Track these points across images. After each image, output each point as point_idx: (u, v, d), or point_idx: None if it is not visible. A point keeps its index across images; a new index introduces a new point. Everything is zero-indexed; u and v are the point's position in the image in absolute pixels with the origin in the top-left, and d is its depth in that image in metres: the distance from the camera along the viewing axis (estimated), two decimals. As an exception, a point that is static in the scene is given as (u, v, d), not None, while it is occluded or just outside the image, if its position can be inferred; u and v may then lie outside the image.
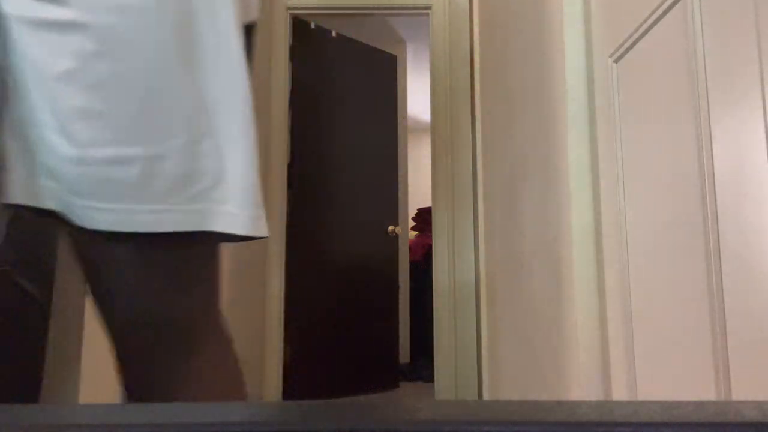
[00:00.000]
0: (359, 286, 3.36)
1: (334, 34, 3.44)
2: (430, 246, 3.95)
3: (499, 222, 2.03)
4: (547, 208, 1.49)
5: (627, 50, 1.13)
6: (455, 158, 2.89)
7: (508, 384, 1.93)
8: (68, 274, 1.41)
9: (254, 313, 2.73)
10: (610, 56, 1.20)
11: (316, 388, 3.04)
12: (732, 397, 0.79)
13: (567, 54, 1.35)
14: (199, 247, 0.75)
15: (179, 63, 0.69)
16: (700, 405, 0.23)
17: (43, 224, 0.77)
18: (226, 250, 2.52)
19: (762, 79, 0.72)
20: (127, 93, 0.67)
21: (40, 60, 0.66)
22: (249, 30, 0.81)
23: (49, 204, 0.70)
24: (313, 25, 3.32)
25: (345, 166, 3.41)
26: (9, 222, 0.74)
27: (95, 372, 1.46)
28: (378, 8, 3.07)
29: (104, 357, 1.52)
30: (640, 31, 1.06)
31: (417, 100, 5.53)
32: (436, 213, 2.90)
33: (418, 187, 5.43)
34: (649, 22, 1.02)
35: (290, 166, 3.09)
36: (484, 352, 2.31)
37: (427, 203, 4.39)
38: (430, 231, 4.02)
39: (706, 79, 0.84)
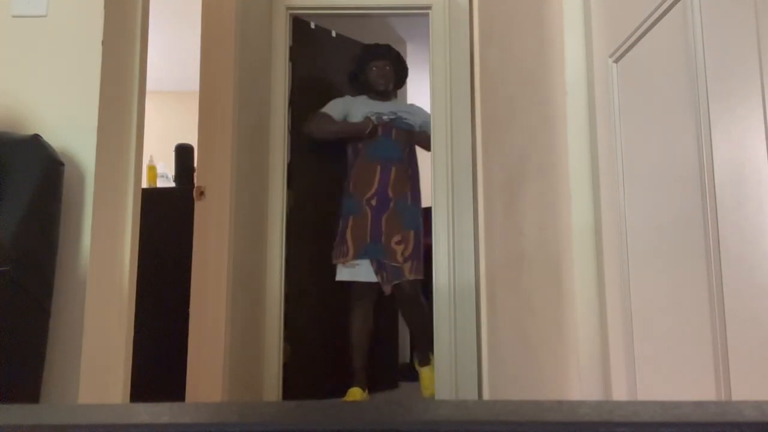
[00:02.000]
0: (359, 286, 3.36)
1: (334, 34, 3.44)
2: (430, 246, 3.94)
3: (499, 222, 2.03)
4: (547, 208, 1.49)
5: (627, 50, 1.13)
6: (455, 158, 2.89)
7: (508, 384, 1.93)
8: (68, 273, 1.41)
9: (254, 313, 2.73)
10: (610, 56, 1.20)
11: (315, 387, 3.04)
12: (732, 397, 0.79)
13: (567, 54, 1.34)
14: None
15: None
16: (700, 405, 0.23)
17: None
18: (226, 250, 2.51)
19: (762, 79, 0.72)
20: None
21: None
22: None
23: None
24: (313, 25, 3.32)
25: (345, 166, 3.41)
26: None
27: (95, 372, 1.46)
28: (378, 8, 3.07)
29: (104, 357, 1.52)
30: (640, 31, 1.06)
31: (417, 100, 5.52)
32: (436, 213, 2.90)
33: (418, 187, 5.42)
34: (649, 22, 1.02)
35: (290, 166, 3.08)
36: (484, 352, 2.31)
37: (427, 203, 4.39)
38: (430, 231, 4.01)
39: (706, 79, 0.84)
